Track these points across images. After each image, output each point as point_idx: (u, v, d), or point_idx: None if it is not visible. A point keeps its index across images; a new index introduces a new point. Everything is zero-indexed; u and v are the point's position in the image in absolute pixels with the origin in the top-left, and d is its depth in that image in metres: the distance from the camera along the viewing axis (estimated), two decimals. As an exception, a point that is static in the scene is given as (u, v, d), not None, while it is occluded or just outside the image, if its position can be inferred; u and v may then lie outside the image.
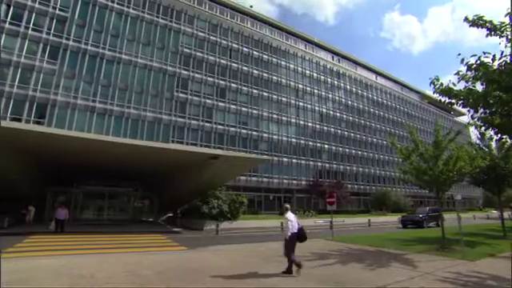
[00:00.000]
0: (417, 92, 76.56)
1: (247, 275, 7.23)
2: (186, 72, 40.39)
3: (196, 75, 41.15)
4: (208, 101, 41.22)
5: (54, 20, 33.49)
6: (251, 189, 40.89)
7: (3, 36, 30.62)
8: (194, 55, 41.78)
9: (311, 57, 55.34)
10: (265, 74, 47.75)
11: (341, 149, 53.75)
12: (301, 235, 7.47)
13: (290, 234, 7.35)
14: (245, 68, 45.92)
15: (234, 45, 46.05)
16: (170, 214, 27.35)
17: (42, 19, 32.97)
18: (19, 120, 28.87)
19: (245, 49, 46.90)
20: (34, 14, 32.55)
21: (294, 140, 47.86)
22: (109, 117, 34.23)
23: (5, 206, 18.32)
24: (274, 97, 47.71)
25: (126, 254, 10.12)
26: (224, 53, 44.69)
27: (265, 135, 44.91)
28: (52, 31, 33.02)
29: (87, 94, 33.56)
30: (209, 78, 42.14)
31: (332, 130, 53.53)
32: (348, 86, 59.16)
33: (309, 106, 51.68)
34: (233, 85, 44.02)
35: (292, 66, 51.79)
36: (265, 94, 46.76)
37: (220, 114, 41.81)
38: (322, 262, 8.94)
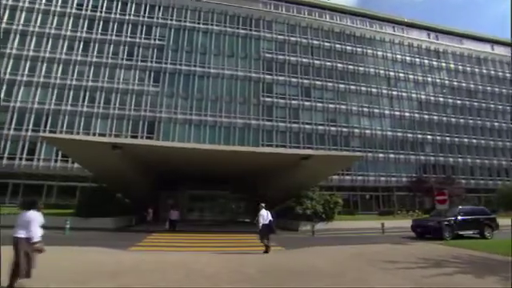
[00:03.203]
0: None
1: (352, 279, 6.68)
2: (269, 76, 41.49)
3: (279, 78, 41.84)
4: (293, 102, 41.33)
5: (155, 49, 39.20)
6: (345, 188, 38.97)
7: (122, 71, 37.44)
8: (276, 58, 42.59)
9: (401, 39, 49.73)
10: (350, 67, 45.16)
11: (448, 138, 46.32)
12: (269, 227, 10.27)
13: (260, 225, 10.25)
14: (328, 63, 44.39)
15: (315, 41, 45.09)
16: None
17: (146, 51, 39.00)
18: (136, 137, 34.71)
19: (326, 43, 45.42)
20: (141, 48, 38.81)
21: (389, 133, 43.64)
22: (204, 127, 37.79)
23: (132, 207, 22.02)
24: (363, 89, 44.58)
25: (229, 252, 10.71)
26: (305, 51, 44.22)
27: (356, 131, 42.31)
28: (154, 59, 38.72)
29: (184, 108, 37.88)
30: (292, 79, 42.27)
31: (435, 117, 46.68)
32: (452, 65, 50.72)
33: (404, 94, 46.42)
34: (317, 82, 43.05)
35: (380, 53, 47.55)
36: (352, 87, 44.17)
37: (307, 113, 41.37)
38: (437, 270, 7.58)
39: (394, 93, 46.00)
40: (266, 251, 9.98)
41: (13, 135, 33.11)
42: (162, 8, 41.21)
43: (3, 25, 36.01)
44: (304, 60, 43.70)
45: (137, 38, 39.20)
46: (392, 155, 42.77)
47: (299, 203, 20.75)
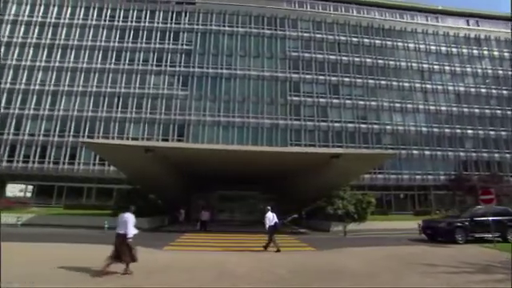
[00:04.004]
0: None
1: (388, 280, 6.35)
2: (296, 75, 41.05)
3: (306, 76, 41.24)
4: (321, 100, 40.53)
5: (183, 54, 40.32)
6: (378, 187, 37.49)
7: (152, 76, 38.91)
8: (302, 57, 42.04)
9: (435, 29, 46.95)
10: (380, 61, 43.40)
11: (492, 132, 42.86)
12: (275, 227, 11.34)
13: (267, 226, 11.25)
14: (356, 59, 43.02)
15: (342, 37, 43.91)
16: (295, 216, 27.83)
17: (175, 56, 40.22)
18: (167, 140, 35.90)
19: (354, 39, 44.03)
20: (169, 54, 40.12)
21: (424, 129, 41.34)
22: (232, 128, 38.16)
23: (164, 208, 22.77)
24: (394, 84, 42.65)
25: (259, 251, 10.71)
26: (332, 48, 43.21)
27: (388, 127, 40.55)
28: (182, 63, 39.84)
29: (213, 110, 38.51)
30: (320, 77, 41.48)
31: (476, 110, 43.44)
32: (495, 52, 46.78)
33: (439, 87, 43.76)
34: (345, 79, 41.88)
35: (411, 46, 45.24)
36: (382, 82, 42.42)
37: (335, 111, 40.36)
38: (486, 276, 7.00)
39: (429, 86, 43.51)
40: (265, 248, 10.94)
41: (57, 141, 35.62)
42: (188, 14, 42.32)
43: (48, 40, 38.96)
44: (331, 57, 42.70)
45: (165, 44, 40.54)
46: (428, 152, 40.47)
47: (330, 203, 20.33)
